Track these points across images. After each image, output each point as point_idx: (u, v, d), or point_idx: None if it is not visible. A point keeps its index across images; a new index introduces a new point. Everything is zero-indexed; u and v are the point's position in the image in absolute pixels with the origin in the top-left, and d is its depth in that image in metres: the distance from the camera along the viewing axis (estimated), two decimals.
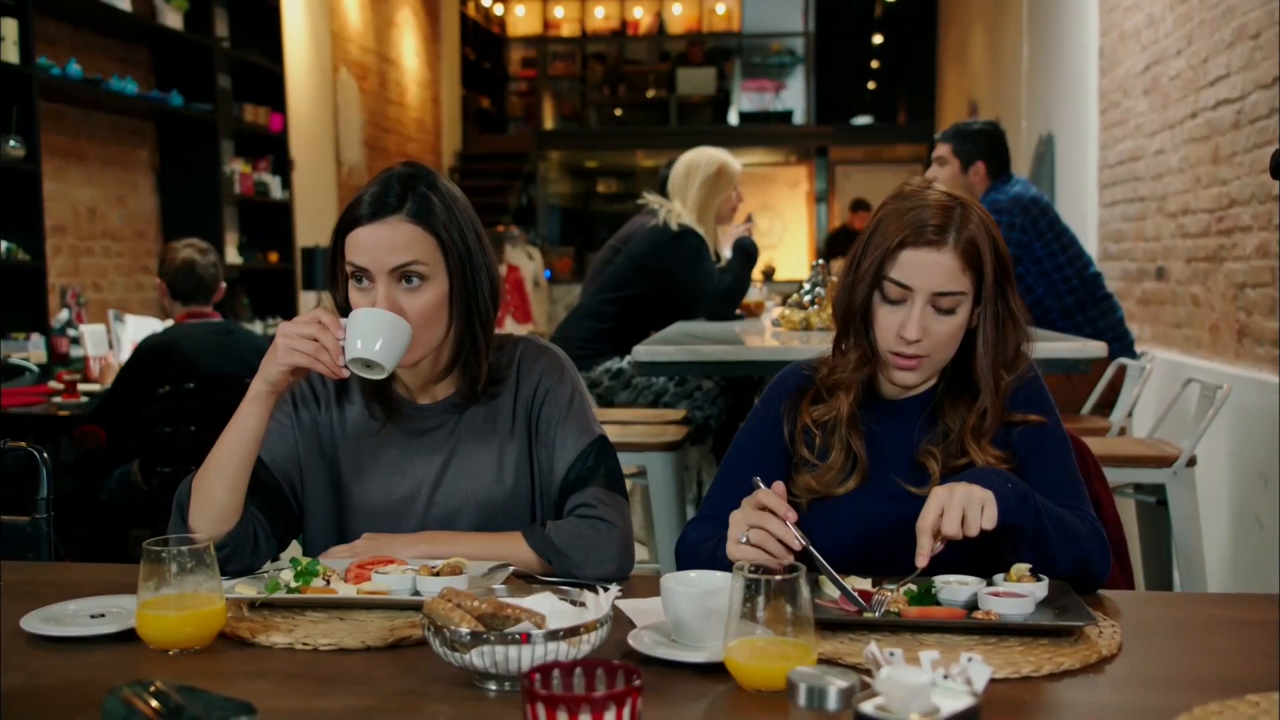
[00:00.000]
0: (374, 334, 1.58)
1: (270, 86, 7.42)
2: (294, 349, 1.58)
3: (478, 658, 1.19)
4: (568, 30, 14.62)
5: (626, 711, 0.94)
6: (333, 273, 1.73)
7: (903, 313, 1.61)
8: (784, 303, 5.48)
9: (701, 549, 1.65)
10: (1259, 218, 3.87)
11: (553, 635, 1.19)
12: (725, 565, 1.46)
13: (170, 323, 4.00)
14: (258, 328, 6.72)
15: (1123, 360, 3.55)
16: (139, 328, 4.32)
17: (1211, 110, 4.30)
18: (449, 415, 1.78)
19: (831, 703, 0.95)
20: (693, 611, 1.31)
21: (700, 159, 4.15)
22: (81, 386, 4.11)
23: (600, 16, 14.53)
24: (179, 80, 6.50)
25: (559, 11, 14.55)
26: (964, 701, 0.84)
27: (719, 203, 4.13)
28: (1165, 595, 2.07)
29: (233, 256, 6.99)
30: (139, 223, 6.57)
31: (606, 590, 1.31)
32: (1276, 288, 3.72)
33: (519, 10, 14.52)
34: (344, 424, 1.79)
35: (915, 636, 1.36)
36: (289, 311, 7.53)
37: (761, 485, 1.48)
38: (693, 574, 1.38)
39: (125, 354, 4.25)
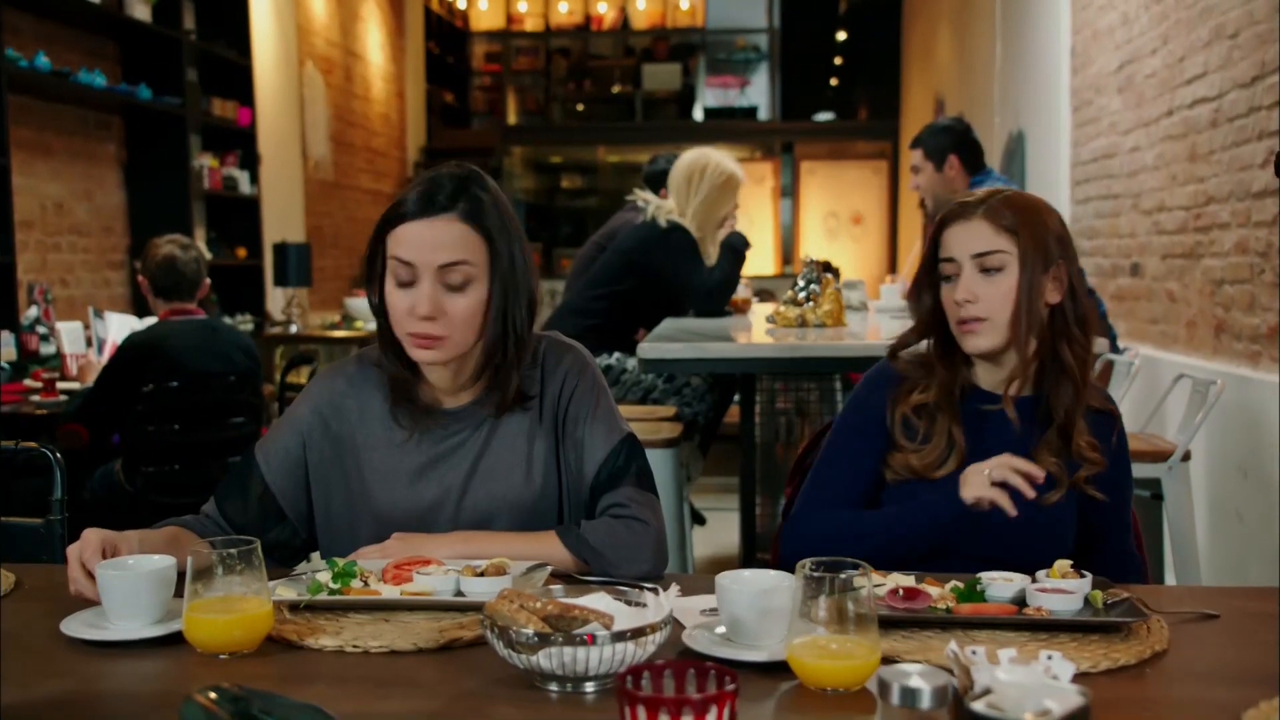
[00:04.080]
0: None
1: (238, 80, 7.33)
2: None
3: (544, 659, 1.18)
4: (531, 25, 14.53)
5: (726, 713, 0.93)
6: (369, 272, 1.70)
7: (955, 283, 1.75)
8: (755, 297, 5.50)
9: (844, 529, 1.74)
10: (1238, 214, 3.92)
11: (620, 636, 1.18)
12: (922, 531, 1.69)
13: (153, 320, 3.94)
14: None
15: (1110, 356, 3.59)
16: (119, 325, 4.26)
17: (1188, 109, 4.36)
18: (474, 419, 1.76)
19: (926, 702, 0.95)
20: (750, 610, 1.31)
21: (708, 164, 4.06)
22: (60, 385, 4.04)
23: (564, 11, 14.44)
24: (147, 73, 6.40)
25: (522, 6, 14.46)
26: (1075, 701, 0.85)
27: (722, 212, 4.08)
28: (1195, 589, 2.10)
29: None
30: (106, 218, 6.47)
31: (666, 590, 1.30)
32: (1255, 284, 3.78)
33: (482, 4, 14.43)
34: (370, 432, 1.77)
35: (967, 633, 1.37)
36: (258, 308, 7.45)
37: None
38: (746, 573, 1.38)
39: (107, 351, 4.19)
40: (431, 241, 1.63)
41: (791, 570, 1.75)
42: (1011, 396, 1.76)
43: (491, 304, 1.67)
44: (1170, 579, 2.99)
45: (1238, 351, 3.92)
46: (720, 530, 5.24)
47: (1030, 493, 1.62)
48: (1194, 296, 4.29)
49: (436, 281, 1.63)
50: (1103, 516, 1.78)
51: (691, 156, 4.13)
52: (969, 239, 1.74)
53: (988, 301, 1.72)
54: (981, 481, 1.65)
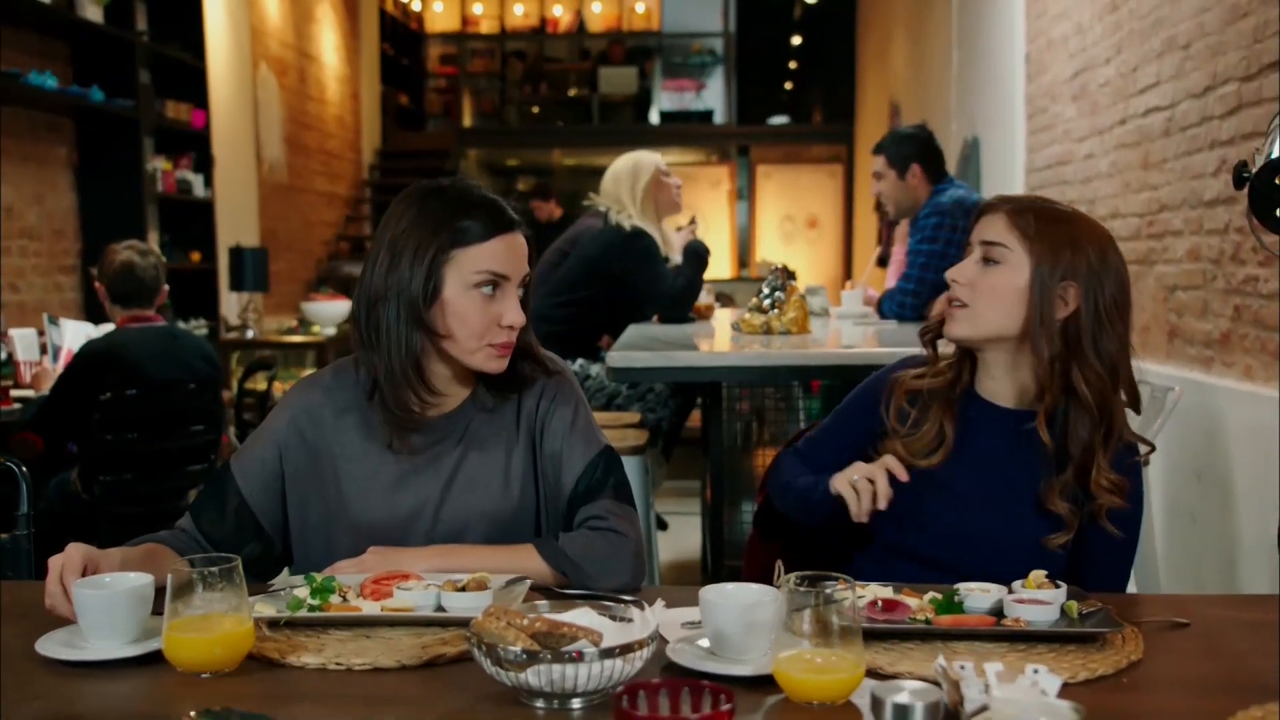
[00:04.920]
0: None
1: (191, 82, 7.25)
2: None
3: (533, 677, 1.18)
4: (487, 27, 14.50)
5: None
6: (424, 286, 1.65)
7: None
8: (717, 302, 5.52)
9: (797, 480, 1.86)
10: (1190, 222, 3.99)
11: (608, 653, 1.19)
12: (809, 500, 1.79)
13: (110, 326, 3.89)
14: None
15: None
16: (75, 332, 4.19)
17: (1141, 117, 4.43)
18: (452, 429, 1.76)
19: (918, 718, 0.96)
20: (734, 625, 1.32)
21: (620, 172, 4.12)
22: (14, 393, 3.98)
23: (520, 14, 14.44)
24: (99, 75, 6.32)
25: (478, 8, 14.43)
26: (1070, 718, 0.86)
27: (659, 200, 4.11)
28: (1163, 597, 2.13)
29: None
30: (57, 221, 6.37)
31: (651, 605, 1.31)
32: (1207, 290, 3.85)
33: (437, 6, 14.37)
34: (347, 443, 1.75)
35: (946, 644, 1.38)
36: (212, 313, 7.37)
37: None
38: (729, 587, 1.39)
39: (62, 359, 4.13)
40: (517, 254, 1.70)
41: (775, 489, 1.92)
42: (1009, 409, 1.77)
43: (529, 307, 1.74)
44: (1130, 584, 3.03)
45: (1191, 356, 3.99)
46: (681, 535, 5.25)
47: (882, 504, 1.67)
48: (1148, 302, 4.36)
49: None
50: (1107, 553, 1.80)
51: (608, 173, 4.18)
52: (986, 227, 1.78)
53: (974, 289, 1.75)
54: (844, 478, 1.72)
